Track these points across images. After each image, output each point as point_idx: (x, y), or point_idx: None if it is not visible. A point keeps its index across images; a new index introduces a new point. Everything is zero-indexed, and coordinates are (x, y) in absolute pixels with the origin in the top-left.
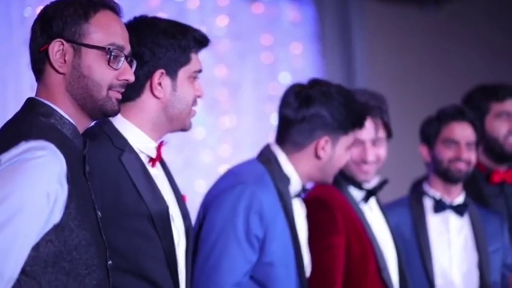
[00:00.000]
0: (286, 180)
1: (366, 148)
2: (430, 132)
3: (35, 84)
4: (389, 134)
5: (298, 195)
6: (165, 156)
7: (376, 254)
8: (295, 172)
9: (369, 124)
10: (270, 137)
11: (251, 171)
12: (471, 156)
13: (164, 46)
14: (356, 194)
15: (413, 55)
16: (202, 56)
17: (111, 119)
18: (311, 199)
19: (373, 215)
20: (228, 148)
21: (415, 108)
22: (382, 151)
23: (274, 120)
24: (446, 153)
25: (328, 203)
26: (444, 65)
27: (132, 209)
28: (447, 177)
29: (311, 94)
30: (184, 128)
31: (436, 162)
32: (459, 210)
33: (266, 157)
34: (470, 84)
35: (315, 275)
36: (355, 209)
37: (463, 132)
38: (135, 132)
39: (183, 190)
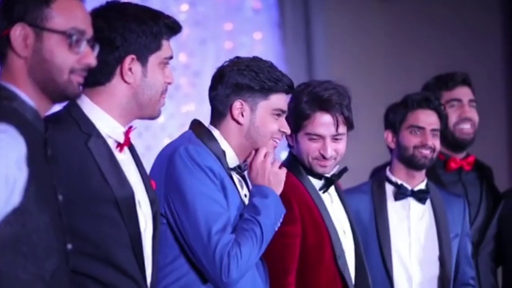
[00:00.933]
0: (221, 152)
1: (326, 144)
2: (396, 118)
3: None
4: (350, 127)
5: (237, 171)
6: None
7: (332, 242)
8: (228, 145)
9: (329, 120)
10: None
11: (186, 138)
12: (436, 143)
13: (136, 31)
14: (315, 182)
15: (374, 42)
16: None
17: (79, 103)
18: None
19: (332, 203)
20: None
21: (374, 94)
22: (341, 146)
23: None
24: (411, 140)
25: (285, 191)
26: (405, 52)
27: (98, 194)
28: (412, 163)
29: (223, 68)
30: (153, 116)
31: (401, 149)
32: (420, 196)
33: (198, 130)
34: (429, 72)
35: (270, 263)
36: (314, 197)
37: (428, 119)
38: (103, 117)
39: None
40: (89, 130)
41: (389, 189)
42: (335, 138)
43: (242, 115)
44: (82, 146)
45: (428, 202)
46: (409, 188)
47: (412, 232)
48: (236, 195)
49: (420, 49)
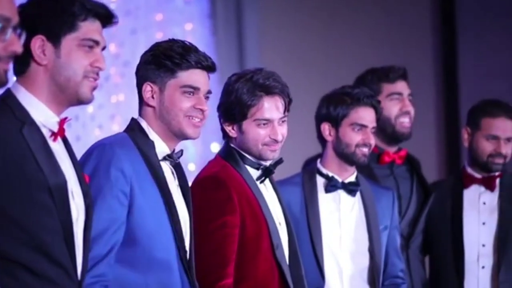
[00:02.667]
0: (149, 143)
1: (275, 127)
2: (337, 112)
3: None
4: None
5: (169, 160)
6: None
7: (270, 232)
8: (156, 135)
9: (276, 103)
10: None
11: (110, 137)
12: (373, 140)
13: (45, 12)
14: (253, 173)
15: (306, 34)
16: None
17: (14, 92)
18: (206, 177)
19: (268, 193)
20: (117, 125)
21: (306, 87)
22: (285, 129)
23: None
24: (354, 137)
25: (224, 182)
26: (337, 45)
27: (32, 180)
28: (353, 161)
29: (141, 56)
30: (80, 99)
31: (341, 144)
32: (350, 189)
33: (129, 126)
34: (360, 65)
35: (208, 254)
36: (252, 188)
37: (370, 117)
38: (37, 106)
39: None
40: (23, 117)
41: (320, 181)
42: (282, 121)
43: (153, 97)
44: (16, 132)
45: (358, 194)
46: (340, 180)
47: (343, 224)
48: (155, 192)
49: (352, 43)
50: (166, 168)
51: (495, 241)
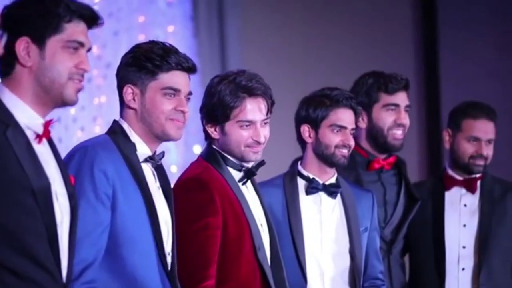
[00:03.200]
0: (130, 145)
1: (258, 129)
2: (317, 114)
3: None
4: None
5: (150, 162)
6: None
7: (252, 234)
8: (138, 137)
9: (259, 105)
10: None
11: (92, 139)
12: (353, 142)
13: (30, 13)
14: (235, 174)
15: (287, 36)
16: None
17: None
18: (188, 178)
19: (250, 195)
20: (99, 127)
21: (288, 88)
22: (268, 131)
23: None
24: (334, 139)
25: (207, 183)
26: (318, 46)
27: (15, 182)
28: (332, 162)
29: (121, 57)
30: (65, 101)
31: (320, 145)
32: (331, 191)
33: (111, 128)
34: (343, 67)
35: (191, 255)
36: (234, 190)
37: (349, 118)
38: (22, 108)
39: None
40: (7, 120)
41: (301, 183)
42: (265, 123)
43: (134, 100)
44: (0, 135)
45: (338, 196)
46: (321, 182)
47: (324, 226)
48: (137, 195)
49: (334, 44)
50: (148, 170)
51: (476, 243)
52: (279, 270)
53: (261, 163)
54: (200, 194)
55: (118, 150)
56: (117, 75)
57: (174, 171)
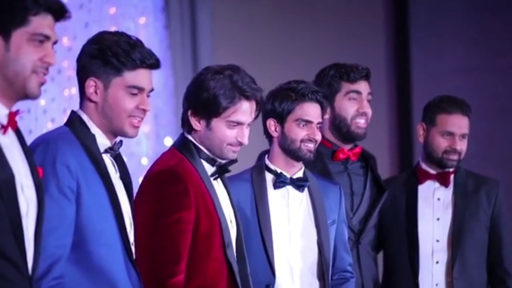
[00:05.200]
0: (91, 136)
1: (243, 131)
2: (282, 108)
3: None
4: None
5: (110, 153)
6: None
7: (222, 230)
8: (97, 128)
9: (251, 108)
10: None
11: (53, 132)
12: (319, 135)
13: None
14: (207, 168)
15: (259, 28)
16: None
17: None
18: (162, 170)
19: (219, 190)
20: None
21: (258, 81)
22: (248, 132)
23: None
24: (299, 133)
25: (182, 176)
26: (289, 38)
27: None
28: (298, 156)
29: (84, 44)
30: (27, 94)
31: (286, 140)
32: (298, 184)
33: (70, 119)
34: (311, 60)
35: (161, 249)
36: (206, 183)
37: (315, 112)
38: None
39: None
40: None
41: (269, 177)
42: (248, 125)
43: (96, 93)
44: None
45: (305, 190)
46: (288, 176)
47: (291, 220)
48: (100, 187)
49: (305, 38)
50: (108, 160)
51: (449, 237)
52: (244, 267)
53: (233, 160)
54: (174, 187)
55: (78, 142)
56: (78, 62)
57: (145, 163)
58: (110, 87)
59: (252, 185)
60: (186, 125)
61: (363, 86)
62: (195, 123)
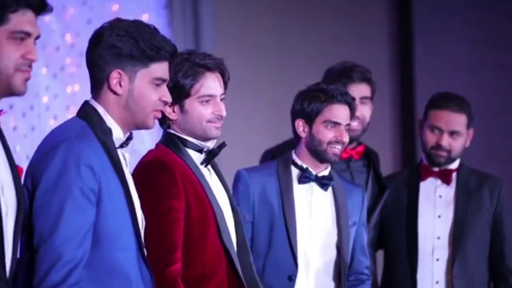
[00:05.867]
0: (107, 131)
1: (218, 103)
2: (311, 109)
3: None
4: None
5: (122, 146)
6: (9, 123)
7: (216, 217)
8: (114, 121)
9: (217, 78)
10: None
11: (72, 128)
12: (347, 138)
13: None
14: (195, 157)
15: (262, 25)
16: (47, 24)
17: None
18: (149, 161)
19: (211, 179)
20: (72, 115)
21: (261, 78)
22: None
23: None
24: (327, 135)
25: (168, 165)
26: (293, 35)
27: None
28: (324, 158)
29: (101, 30)
30: (12, 91)
31: (314, 141)
32: (323, 182)
33: (84, 112)
34: (315, 55)
35: (156, 239)
36: (195, 172)
37: (344, 114)
38: None
39: (28, 157)
40: None
41: (294, 172)
42: (221, 98)
43: (120, 85)
44: None
45: (330, 189)
46: (314, 173)
47: (313, 216)
48: (118, 187)
49: (308, 33)
50: (121, 155)
51: (450, 234)
52: (245, 256)
53: (222, 145)
54: (162, 176)
55: (96, 138)
56: (92, 52)
57: None
58: (136, 79)
59: (278, 178)
60: (163, 120)
61: (360, 88)
62: (170, 113)
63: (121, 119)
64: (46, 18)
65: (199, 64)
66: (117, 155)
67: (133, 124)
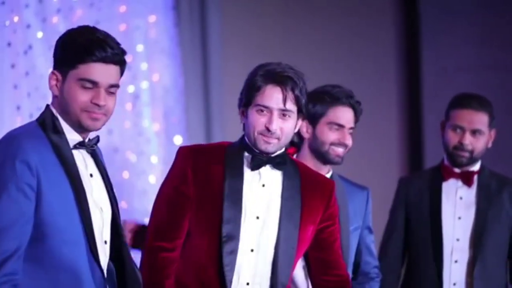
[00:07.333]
0: (59, 131)
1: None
2: (316, 110)
3: None
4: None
5: (81, 148)
6: (16, 124)
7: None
8: (65, 123)
9: (281, 94)
10: (127, 106)
11: (22, 128)
12: (350, 141)
13: None
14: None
15: (269, 26)
16: (55, 25)
17: None
18: None
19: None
20: None
21: None
22: (286, 126)
23: (129, 88)
24: (330, 136)
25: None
26: (299, 37)
27: None
28: (326, 159)
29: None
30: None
31: (316, 142)
32: None
33: (41, 115)
34: (322, 59)
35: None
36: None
37: (347, 116)
38: None
39: None
40: None
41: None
42: (283, 114)
43: (57, 86)
44: None
45: None
46: None
47: None
48: (65, 184)
49: (315, 36)
50: (79, 156)
51: (471, 236)
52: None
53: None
54: None
55: (46, 137)
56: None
57: (154, 162)
58: (66, 79)
59: None
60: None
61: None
62: (241, 117)
63: (68, 121)
64: (54, 19)
65: (270, 73)
66: (70, 155)
67: (73, 124)
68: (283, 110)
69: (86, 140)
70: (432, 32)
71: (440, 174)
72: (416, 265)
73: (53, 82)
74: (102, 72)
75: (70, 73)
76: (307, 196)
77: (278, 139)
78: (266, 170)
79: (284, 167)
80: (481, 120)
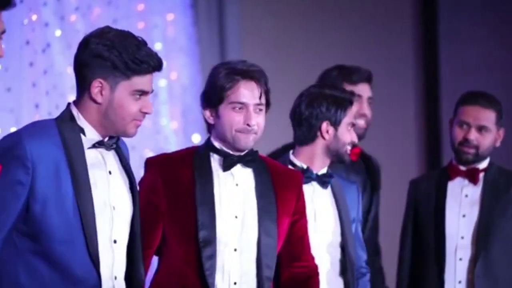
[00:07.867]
0: (77, 130)
1: (250, 112)
2: (339, 114)
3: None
4: (267, 105)
5: (99, 147)
6: None
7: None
8: (87, 123)
9: (255, 89)
10: None
11: (35, 124)
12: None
13: None
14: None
15: (287, 24)
16: (73, 24)
17: None
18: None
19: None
20: None
21: (287, 78)
22: (261, 120)
23: None
24: (349, 137)
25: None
26: (318, 35)
27: None
28: (344, 159)
29: (87, 38)
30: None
31: (337, 143)
32: (323, 180)
33: (62, 114)
34: (340, 57)
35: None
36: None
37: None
38: None
39: None
40: None
41: None
42: (259, 109)
43: (101, 94)
44: None
45: (328, 187)
46: (314, 172)
47: (317, 217)
48: (66, 180)
49: (333, 34)
50: (98, 155)
51: (474, 234)
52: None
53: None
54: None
55: (59, 135)
56: (79, 58)
57: None
58: (117, 89)
59: None
60: (207, 125)
61: (364, 89)
62: (209, 117)
63: (100, 125)
64: (72, 18)
65: (238, 70)
66: (81, 153)
67: (113, 131)
68: (258, 105)
69: (106, 139)
70: (450, 32)
71: (447, 174)
72: (421, 263)
73: (97, 90)
74: (151, 81)
75: (122, 84)
76: (279, 189)
77: (256, 133)
78: (238, 169)
79: (254, 164)
80: (488, 117)
